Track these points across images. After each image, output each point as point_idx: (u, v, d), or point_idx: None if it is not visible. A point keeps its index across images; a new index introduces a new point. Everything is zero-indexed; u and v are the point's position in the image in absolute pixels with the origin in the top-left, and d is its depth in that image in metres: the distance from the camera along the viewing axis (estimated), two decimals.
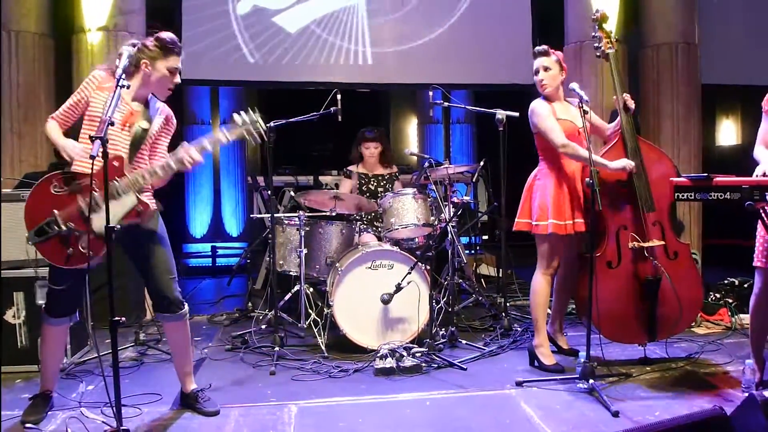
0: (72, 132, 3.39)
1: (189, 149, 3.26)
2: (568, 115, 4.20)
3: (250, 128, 3.30)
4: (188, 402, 3.61)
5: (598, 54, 4.26)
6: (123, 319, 3.08)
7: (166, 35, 3.40)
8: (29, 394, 3.60)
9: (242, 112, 3.32)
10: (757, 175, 3.51)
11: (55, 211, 3.20)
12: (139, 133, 3.36)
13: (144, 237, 3.42)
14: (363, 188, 5.68)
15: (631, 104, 4.17)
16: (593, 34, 4.28)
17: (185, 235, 11.21)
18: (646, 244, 4.01)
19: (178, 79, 3.45)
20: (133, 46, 3.33)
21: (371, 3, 6.96)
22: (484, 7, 7.16)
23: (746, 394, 2.85)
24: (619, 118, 4.16)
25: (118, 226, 3.07)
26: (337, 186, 6.49)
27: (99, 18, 5.80)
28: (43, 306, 3.48)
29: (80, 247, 3.21)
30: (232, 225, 11.46)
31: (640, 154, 4.04)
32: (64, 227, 3.20)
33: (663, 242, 4.03)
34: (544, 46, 4.29)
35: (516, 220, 4.34)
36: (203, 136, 3.37)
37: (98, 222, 3.15)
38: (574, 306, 5.08)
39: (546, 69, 4.21)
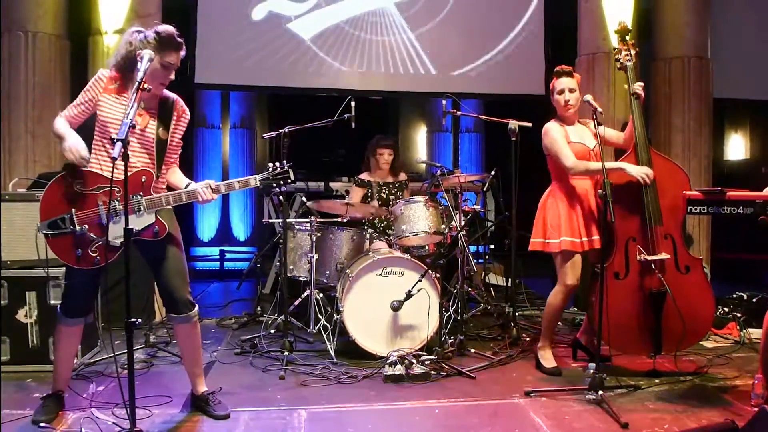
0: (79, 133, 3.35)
1: (217, 185, 3.42)
2: (580, 137, 4.23)
3: (279, 180, 3.52)
4: (199, 404, 3.62)
5: (618, 66, 4.27)
6: (139, 320, 3.10)
7: (165, 29, 3.34)
8: (40, 393, 3.62)
9: (277, 164, 3.54)
10: None
11: (73, 210, 3.22)
12: (160, 144, 3.39)
13: (163, 242, 3.42)
14: (376, 196, 5.69)
15: (640, 92, 4.16)
16: (614, 46, 4.29)
17: (193, 238, 11.25)
18: (652, 257, 4.02)
19: (172, 76, 3.39)
20: (139, 32, 3.32)
21: (381, 13, 6.99)
22: (497, 20, 7.18)
23: (756, 409, 2.86)
24: (630, 124, 4.17)
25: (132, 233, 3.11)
26: (347, 193, 6.51)
27: (115, 21, 5.84)
28: (59, 306, 3.50)
29: (89, 251, 3.23)
30: (240, 229, 11.50)
31: (651, 166, 4.04)
32: (78, 227, 3.21)
33: (669, 256, 4.03)
34: (569, 67, 4.31)
35: (531, 240, 4.37)
36: (235, 178, 3.54)
37: (113, 231, 3.20)
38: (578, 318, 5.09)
39: (572, 90, 4.22)
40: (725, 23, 7.11)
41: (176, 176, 3.58)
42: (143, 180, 3.29)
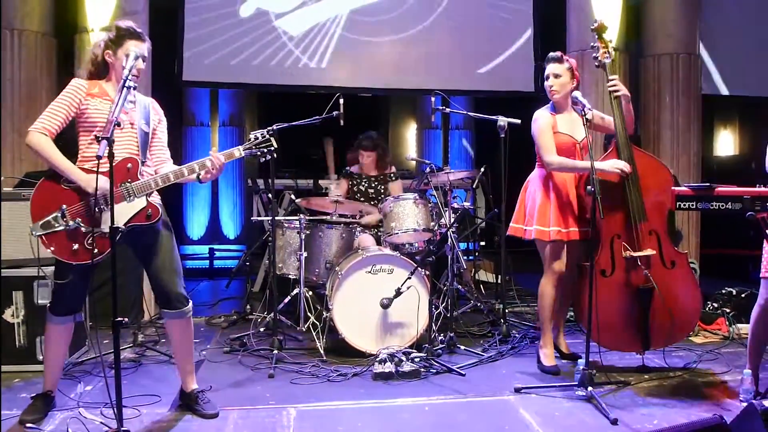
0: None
1: (212, 157, 3.40)
2: (569, 128, 4.23)
3: (263, 148, 3.52)
4: (188, 402, 3.60)
5: (596, 64, 4.25)
6: (125, 319, 3.08)
7: (123, 22, 3.44)
8: (28, 393, 3.60)
9: (258, 132, 3.54)
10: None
11: (64, 206, 3.21)
12: (143, 135, 3.42)
13: (149, 232, 3.41)
14: (355, 189, 5.72)
15: (621, 90, 4.14)
16: (592, 43, 4.29)
17: (182, 236, 11.19)
18: (638, 254, 4.02)
19: (140, 64, 3.36)
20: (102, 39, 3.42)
21: (371, 10, 6.97)
22: (487, 16, 7.17)
23: (745, 404, 2.86)
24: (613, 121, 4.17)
25: (123, 227, 3.16)
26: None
27: (102, 18, 5.79)
28: (48, 305, 3.48)
29: (86, 244, 3.22)
30: (230, 227, 11.45)
31: (633, 163, 4.04)
32: (71, 222, 3.20)
33: (654, 251, 4.04)
34: (558, 53, 4.32)
35: (510, 224, 4.40)
36: (223, 151, 3.52)
37: (107, 220, 3.16)
38: (572, 313, 5.09)
39: (556, 76, 4.24)
40: (714, 19, 7.13)
41: (169, 168, 3.53)
42: (129, 167, 3.30)
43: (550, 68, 4.27)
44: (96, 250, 3.21)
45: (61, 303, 3.42)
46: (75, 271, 3.31)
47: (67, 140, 3.39)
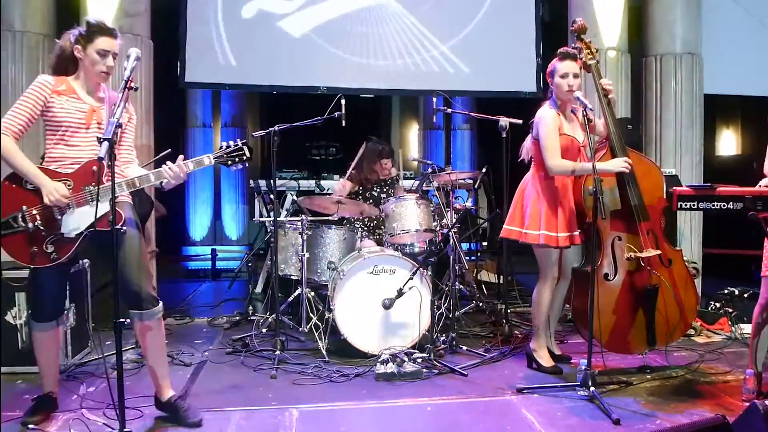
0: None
1: (171, 165, 3.27)
2: (571, 130, 4.17)
3: (234, 158, 3.40)
4: (168, 411, 3.47)
5: (580, 66, 4.17)
6: (127, 321, 3.06)
7: (92, 18, 3.34)
8: (30, 395, 3.60)
9: (231, 142, 3.42)
10: (760, 186, 3.53)
11: (24, 207, 3.14)
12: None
13: (116, 234, 3.14)
14: (366, 194, 5.70)
15: (609, 89, 4.14)
16: (573, 45, 4.26)
17: (185, 238, 11.22)
18: (642, 255, 4.00)
19: (110, 62, 3.30)
20: (71, 34, 3.33)
21: (373, 10, 6.97)
22: (490, 18, 7.16)
23: (747, 404, 2.86)
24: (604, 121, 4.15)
25: (80, 228, 3.13)
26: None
27: (104, 20, 5.77)
28: (29, 312, 3.44)
29: (44, 247, 3.15)
30: (232, 228, 11.47)
31: (631, 164, 4.02)
32: (30, 224, 3.13)
33: (658, 251, 4.03)
34: (574, 50, 4.19)
35: (505, 226, 4.34)
36: (191, 159, 3.40)
37: (68, 224, 3.16)
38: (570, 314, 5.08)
39: (576, 75, 4.08)
40: (715, 19, 7.11)
41: (135, 171, 3.43)
42: (93, 170, 3.19)
43: (571, 66, 4.08)
44: (55, 255, 3.14)
45: (39, 308, 3.36)
46: (46, 275, 3.25)
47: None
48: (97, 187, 3.13)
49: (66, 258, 3.19)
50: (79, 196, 3.19)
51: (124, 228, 3.15)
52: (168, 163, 3.29)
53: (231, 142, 3.42)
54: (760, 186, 3.53)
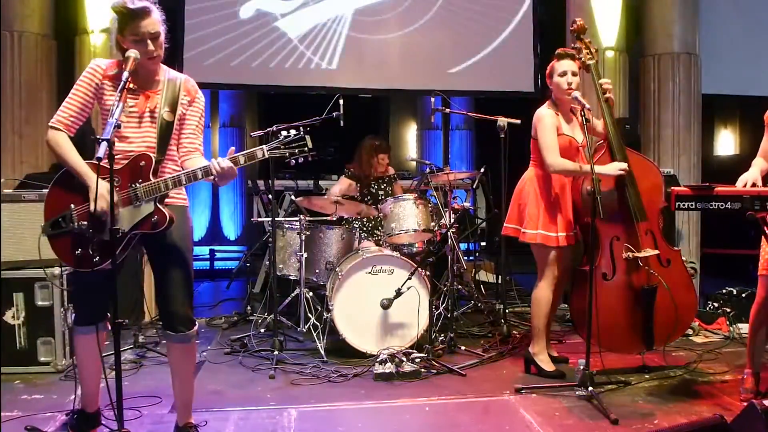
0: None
1: (219, 160, 2.90)
2: (570, 130, 4.18)
3: (294, 149, 3.00)
4: None
5: (579, 66, 4.18)
6: (126, 321, 3.01)
7: (116, 1, 2.93)
8: (28, 395, 3.61)
9: (291, 130, 3.02)
10: (746, 184, 3.54)
11: (72, 206, 2.90)
12: (164, 125, 3.01)
13: (168, 244, 3.01)
14: (364, 191, 5.71)
15: (608, 89, 4.14)
16: (572, 45, 4.26)
17: None
18: (640, 254, 4.00)
19: (151, 47, 2.95)
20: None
21: (371, 11, 6.97)
22: (487, 16, 7.17)
23: (745, 403, 2.86)
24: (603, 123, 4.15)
25: (124, 229, 2.85)
26: None
27: (102, 20, 5.79)
28: (73, 316, 3.26)
29: (89, 250, 2.88)
30: (230, 228, 11.47)
31: (629, 164, 4.01)
32: (76, 225, 2.88)
33: (657, 251, 4.03)
34: (573, 50, 4.20)
35: (504, 224, 4.35)
36: (241, 152, 2.98)
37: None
38: (569, 315, 5.09)
39: (574, 74, 4.10)
40: (713, 19, 7.12)
41: (197, 162, 3.06)
42: (142, 165, 2.90)
43: (568, 66, 4.10)
44: (97, 258, 2.87)
45: (81, 309, 3.12)
46: (89, 279, 2.93)
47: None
48: (139, 186, 2.88)
49: (108, 264, 2.80)
50: (125, 194, 2.89)
51: (125, 231, 2.86)
52: (218, 158, 2.92)
53: (293, 131, 3.02)
54: (745, 183, 3.56)
